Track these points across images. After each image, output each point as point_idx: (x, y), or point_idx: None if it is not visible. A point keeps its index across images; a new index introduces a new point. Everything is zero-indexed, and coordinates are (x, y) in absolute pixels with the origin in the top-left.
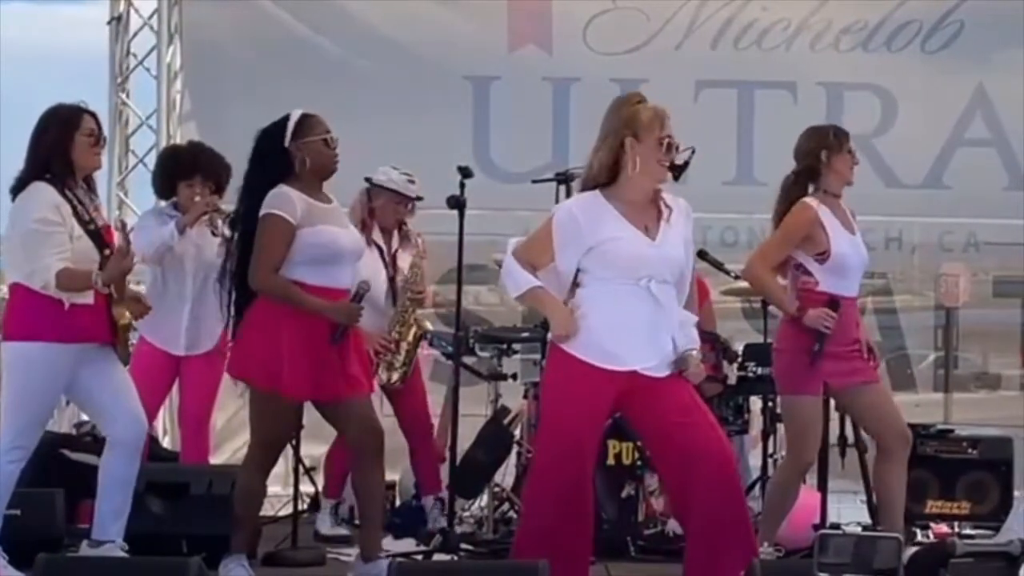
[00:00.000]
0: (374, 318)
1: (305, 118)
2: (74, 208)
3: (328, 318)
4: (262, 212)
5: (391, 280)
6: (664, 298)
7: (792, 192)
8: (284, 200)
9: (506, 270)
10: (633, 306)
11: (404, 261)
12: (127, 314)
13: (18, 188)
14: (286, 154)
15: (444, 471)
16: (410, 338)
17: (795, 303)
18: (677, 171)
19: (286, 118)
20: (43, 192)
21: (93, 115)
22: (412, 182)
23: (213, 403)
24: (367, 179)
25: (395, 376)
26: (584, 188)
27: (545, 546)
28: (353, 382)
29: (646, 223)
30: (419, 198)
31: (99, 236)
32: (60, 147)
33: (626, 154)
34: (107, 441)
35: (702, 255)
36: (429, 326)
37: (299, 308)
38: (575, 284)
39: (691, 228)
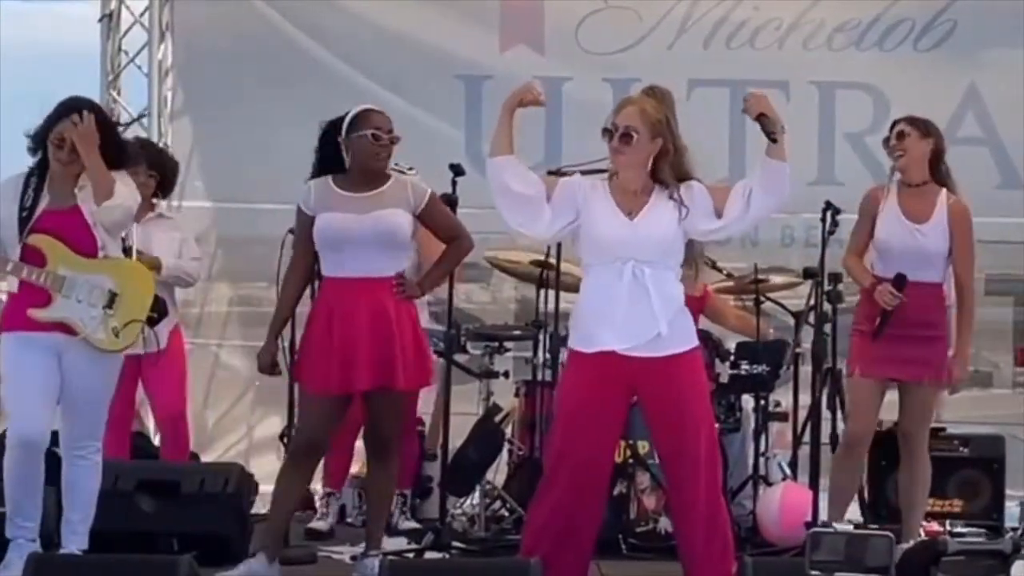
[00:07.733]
0: None
1: (361, 113)
2: (23, 195)
3: None
4: None
5: None
6: (649, 280)
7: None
8: (305, 191)
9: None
10: (608, 287)
11: None
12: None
13: None
14: (339, 149)
15: (436, 469)
16: None
17: (869, 278)
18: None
19: (348, 112)
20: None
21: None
22: None
23: (182, 400)
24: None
25: None
26: None
27: (551, 540)
28: (380, 373)
29: (633, 208)
30: None
31: (25, 223)
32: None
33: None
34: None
35: None
36: None
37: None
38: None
39: (706, 201)
